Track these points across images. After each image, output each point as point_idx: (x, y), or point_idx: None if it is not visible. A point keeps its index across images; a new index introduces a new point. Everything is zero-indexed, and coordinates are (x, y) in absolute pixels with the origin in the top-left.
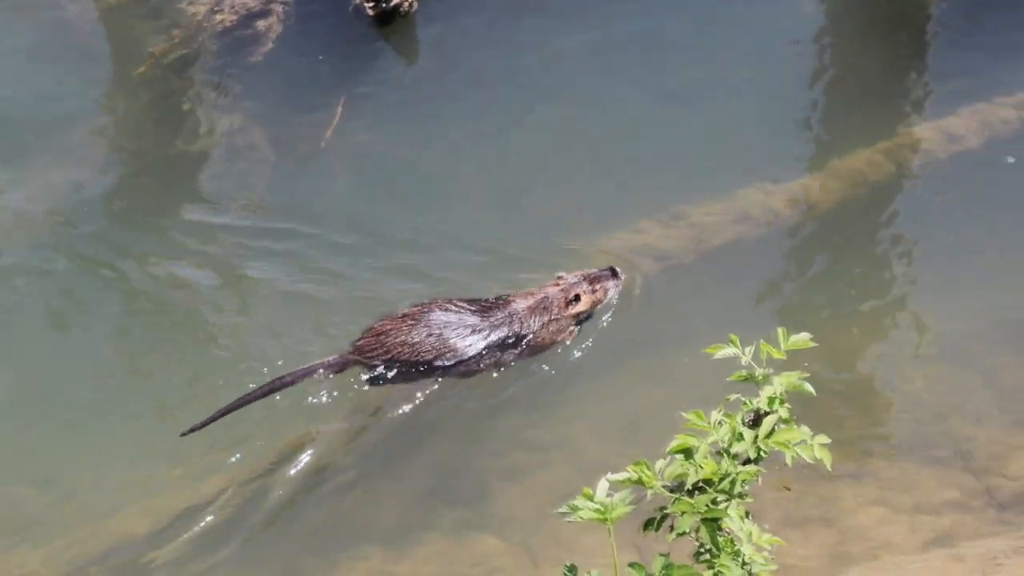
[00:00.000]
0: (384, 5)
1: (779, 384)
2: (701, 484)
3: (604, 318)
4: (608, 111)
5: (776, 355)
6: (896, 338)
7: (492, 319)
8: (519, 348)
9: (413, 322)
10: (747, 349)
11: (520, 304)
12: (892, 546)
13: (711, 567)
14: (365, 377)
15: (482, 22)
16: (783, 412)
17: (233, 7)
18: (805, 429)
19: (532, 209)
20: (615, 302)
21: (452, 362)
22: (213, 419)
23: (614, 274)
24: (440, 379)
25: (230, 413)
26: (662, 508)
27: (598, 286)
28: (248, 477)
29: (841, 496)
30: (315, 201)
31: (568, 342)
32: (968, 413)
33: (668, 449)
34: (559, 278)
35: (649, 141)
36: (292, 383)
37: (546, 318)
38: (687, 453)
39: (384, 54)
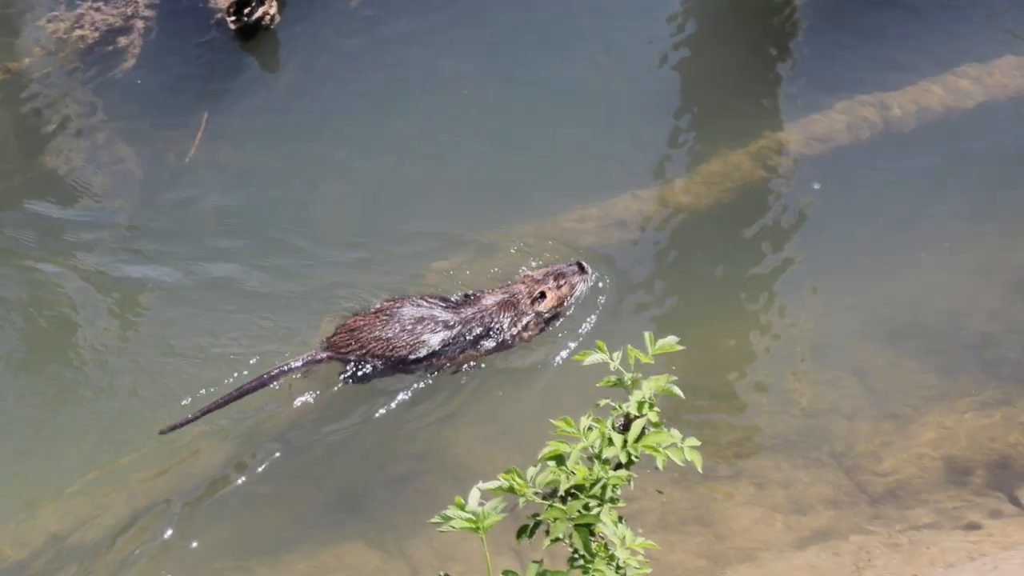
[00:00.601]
0: (246, 19)
1: (648, 388)
2: (573, 490)
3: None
4: (474, 111)
5: (644, 359)
6: (769, 338)
7: (462, 315)
8: (488, 343)
9: (386, 317)
10: (615, 354)
11: (489, 300)
12: (769, 545)
13: (586, 572)
14: (340, 373)
15: (344, 27)
16: (653, 416)
17: (94, 24)
18: (675, 432)
19: (404, 206)
20: (583, 298)
21: (424, 356)
22: (192, 419)
23: (581, 270)
24: (413, 373)
25: (209, 413)
26: (535, 515)
27: (563, 282)
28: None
29: (718, 497)
30: (182, 214)
31: (533, 337)
32: (841, 412)
33: (540, 456)
34: (526, 275)
35: (519, 142)
36: (269, 383)
37: (514, 314)
38: (559, 459)
39: (248, 66)
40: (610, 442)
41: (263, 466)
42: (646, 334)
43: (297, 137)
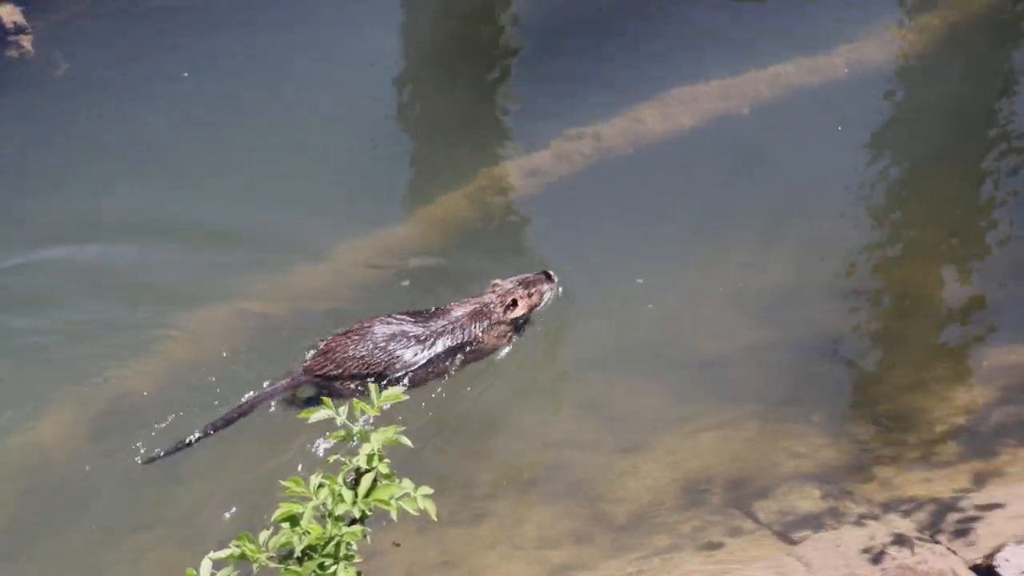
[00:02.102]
0: None
1: (376, 440)
2: (308, 551)
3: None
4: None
5: (371, 412)
6: (507, 371)
7: (435, 328)
8: (463, 355)
9: (358, 337)
10: (341, 409)
11: (460, 312)
12: None
13: None
14: (315, 393)
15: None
16: (383, 468)
17: None
18: (407, 482)
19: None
20: (550, 304)
21: (401, 373)
22: (175, 450)
23: (548, 277)
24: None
25: (192, 444)
26: None
27: (533, 290)
28: None
29: (462, 541)
30: None
31: (508, 346)
32: (581, 443)
33: (273, 518)
34: (495, 285)
35: (219, 179)
36: (250, 411)
37: (486, 323)
38: (292, 520)
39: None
40: (341, 498)
41: None
42: (371, 385)
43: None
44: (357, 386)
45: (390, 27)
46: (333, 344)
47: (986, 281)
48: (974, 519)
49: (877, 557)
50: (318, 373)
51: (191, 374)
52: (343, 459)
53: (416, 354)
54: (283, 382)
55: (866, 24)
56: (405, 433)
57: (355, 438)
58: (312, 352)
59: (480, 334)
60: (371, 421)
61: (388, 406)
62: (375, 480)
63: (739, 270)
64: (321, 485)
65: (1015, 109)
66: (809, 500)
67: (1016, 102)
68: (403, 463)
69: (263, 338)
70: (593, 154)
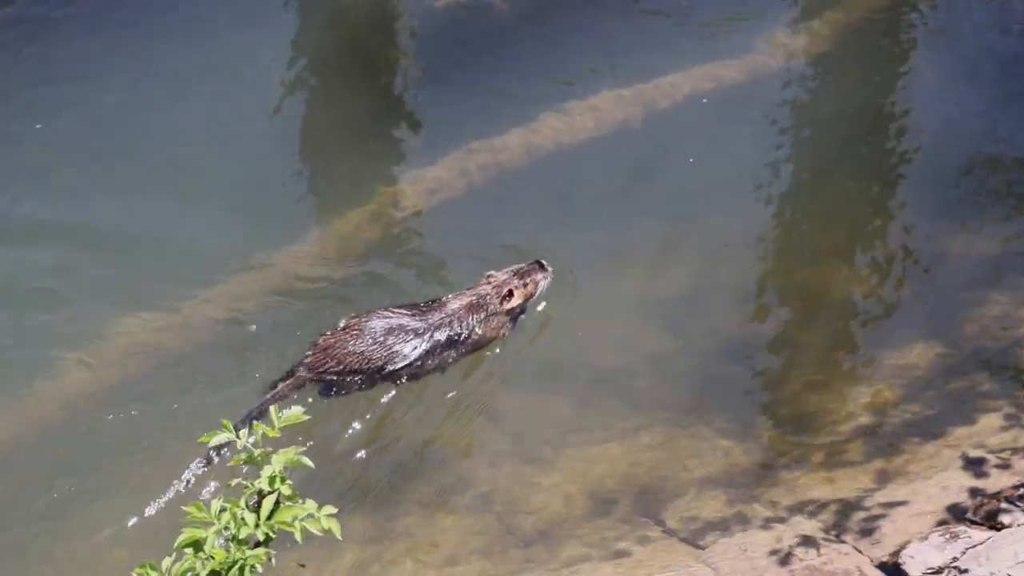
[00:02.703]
0: None
1: (277, 462)
2: None
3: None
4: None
5: (271, 434)
6: (412, 387)
7: (431, 321)
8: (461, 347)
9: (356, 332)
10: (242, 432)
11: (456, 304)
12: None
13: None
14: (321, 392)
15: None
16: (285, 489)
17: None
18: (311, 503)
19: None
20: (544, 293)
21: (401, 366)
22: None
23: (541, 267)
24: (394, 383)
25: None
26: None
27: (528, 280)
28: None
29: (370, 560)
30: None
31: (505, 336)
32: (484, 457)
33: (176, 545)
34: (490, 276)
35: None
36: (262, 414)
37: (483, 315)
38: (196, 546)
39: None
40: (244, 522)
41: None
42: (271, 407)
43: None
44: (359, 381)
45: (281, 40)
46: (332, 340)
47: (885, 281)
48: (879, 517)
49: (784, 559)
50: (320, 370)
51: (84, 407)
52: (245, 482)
53: (415, 347)
54: (287, 382)
55: (761, 31)
56: (310, 453)
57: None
58: (311, 349)
59: (477, 326)
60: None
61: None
62: (278, 502)
63: (640, 279)
64: (223, 509)
65: (910, 110)
66: (716, 505)
67: (911, 103)
68: (315, 481)
69: (158, 374)
70: (492, 166)
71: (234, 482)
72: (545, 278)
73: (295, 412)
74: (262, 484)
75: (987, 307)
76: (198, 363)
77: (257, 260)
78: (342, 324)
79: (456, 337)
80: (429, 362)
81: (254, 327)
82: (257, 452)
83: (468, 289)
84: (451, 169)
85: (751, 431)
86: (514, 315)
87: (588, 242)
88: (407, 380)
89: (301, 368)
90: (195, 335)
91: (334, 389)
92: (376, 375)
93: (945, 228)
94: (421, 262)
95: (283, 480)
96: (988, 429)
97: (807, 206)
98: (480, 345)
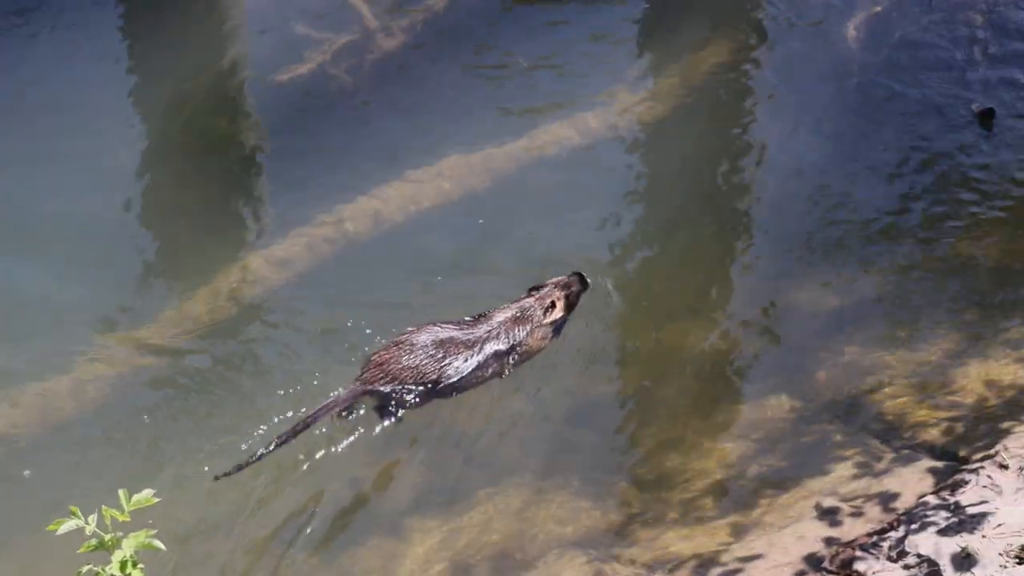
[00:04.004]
0: None
1: (128, 546)
2: None
3: None
4: None
5: (121, 518)
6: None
7: (481, 334)
8: (508, 358)
9: (409, 347)
10: (91, 518)
11: (502, 317)
12: None
13: None
14: (375, 407)
15: None
16: (137, 574)
17: None
18: None
19: None
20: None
21: (454, 379)
22: (245, 465)
23: (581, 279)
24: (447, 396)
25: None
26: None
27: (569, 292)
28: None
29: None
30: None
31: (546, 347)
32: (351, 526)
33: None
34: (532, 289)
35: None
36: (312, 424)
37: (529, 327)
38: None
39: None
40: None
41: None
42: (120, 491)
43: None
44: (413, 395)
45: (127, 121)
46: (386, 356)
47: (736, 336)
48: (736, 572)
49: None
50: (375, 385)
51: None
52: (95, 568)
53: (466, 360)
54: (342, 395)
55: (604, 90)
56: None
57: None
58: (364, 365)
59: (524, 337)
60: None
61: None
62: None
63: None
64: None
65: (754, 164)
66: (575, 566)
67: (755, 157)
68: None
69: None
70: (339, 238)
71: (84, 569)
72: (585, 290)
73: (146, 494)
74: (113, 570)
75: (836, 357)
76: (42, 444)
77: (104, 341)
78: (392, 340)
79: (504, 349)
80: (480, 374)
81: (88, 401)
82: (107, 537)
83: (512, 302)
84: (299, 242)
85: (608, 491)
86: (556, 326)
87: (436, 310)
88: (457, 394)
89: (356, 384)
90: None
91: (390, 405)
92: (430, 389)
93: (793, 280)
94: (271, 335)
95: (135, 564)
96: (841, 478)
97: (656, 264)
98: (527, 357)
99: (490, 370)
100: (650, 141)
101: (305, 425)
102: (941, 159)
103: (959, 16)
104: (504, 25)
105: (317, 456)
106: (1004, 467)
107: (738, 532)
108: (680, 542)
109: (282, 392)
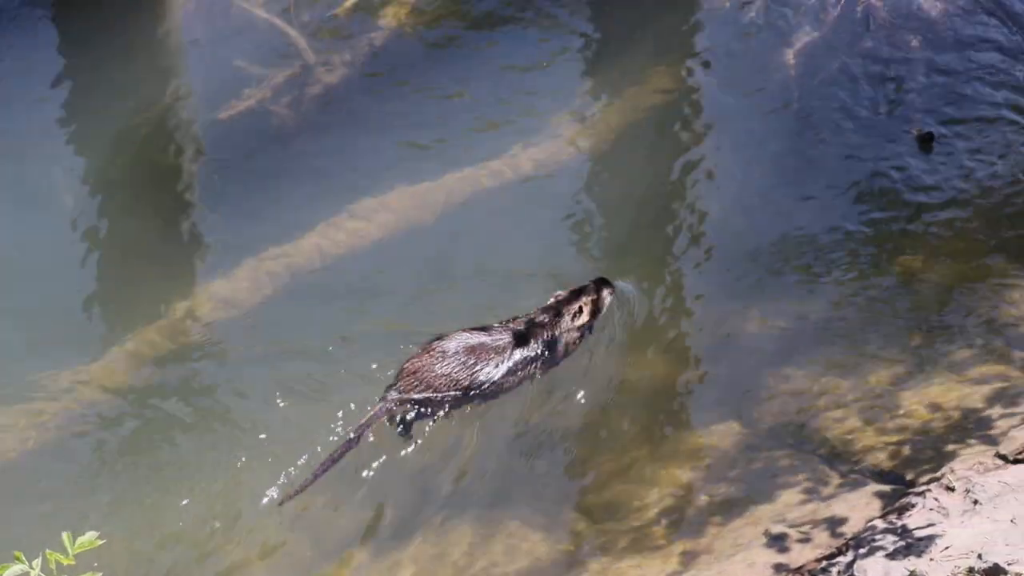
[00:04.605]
0: None
1: None
2: None
3: None
4: None
5: (66, 562)
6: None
7: (511, 340)
8: (540, 363)
9: (441, 354)
10: (35, 562)
11: (531, 322)
12: None
13: None
14: (411, 416)
15: None
16: None
17: None
18: None
19: None
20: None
21: (487, 386)
22: (302, 490)
23: (607, 284)
24: (481, 403)
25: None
26: None
27: (596, 296)
28: None
29: None
30: None
31: (573, 352)
32: (290, 562)
33: None
34: (558, 295)
35: None
36: (358, 441)
37: (557, 332)
38: None
39: None
40: None
41: None
42: (64, 534)
43: None
44: (450, 401)
45: (70, 160)
46: (419, 364)
47: (684, 364)
48: None
49: None
50: (412, 393)
51: None
52: None
53: (498, 366)
54: (377, 408)
55: (548, 122)
56: None
57: None
58: (398, 376)
59: (552, 343)
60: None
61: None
62: None
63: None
64: None
65: (698, 194)
66: None
67: (698, 187)
68: None
69: None
70: (284, 274)
71: None
72: (610, 294)
73: (90, 536)
74: None
75: (783, 384)
76: None
77: (43, 381)
78: (422, 349)
79: (535, 354)
80: (511, 379)
81: (31, 442)
82: None
83: (539, 308)
84: (244, 279)
85: (559, 521)
86: (583, 331)
87: (384, 345)
88: (488, 400)
89: (391, 393)
90: None
91: (426, 412)
92: (464, 396)
93: (740, 306)
94: (218, 373)
95: None
96: (789, 504)
97: None
98: (556, 362)
99: (519, 377)
100: (595, 170)
101: (350, 445)
102: (882, 182)
103: (896, 38)
104: (446, 57)
105: (264, 500)
106: (950, 489)
107: (688, 560)
108: (631, 571)
109: (227, 428)
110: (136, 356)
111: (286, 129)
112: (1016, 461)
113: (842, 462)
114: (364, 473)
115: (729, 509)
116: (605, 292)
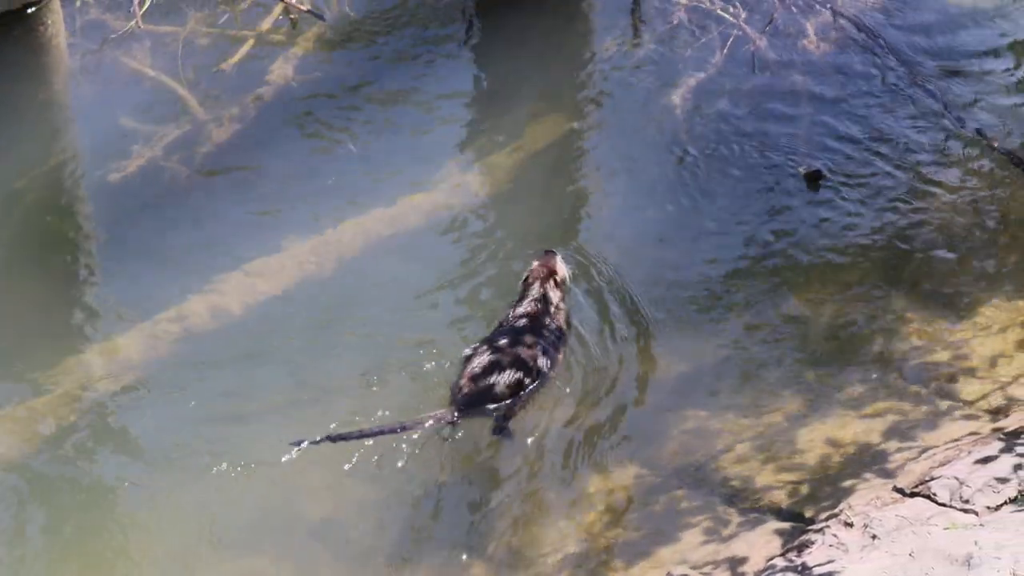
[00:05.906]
0: None
1: None
2: None
3: None
4: None
5: None
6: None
7: (537, 327)
8: (562, 341)
9: (488, 353)
10: None
11: (539, 305)
12: None
13: None
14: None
15: None
16: None
17: None
18: None
19: None
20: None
21: (538, 376)
22: (324, 439)
23: (552, 252)
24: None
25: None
26: None
27: (556, 263)
28: None
29: None
30: None
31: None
32: None
33: None
34: (530, 272)
35: None
36: (405, 430)
37: (555, 308)
38: None
39: None
40: None
41: None
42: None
43: None
44: (511, 402)
45: None
46: (472, 368)
47: (584, 407)
48: None
49: None
50: (476, 402)
51: None
52: None
53: (537, 354)
54: (438, 413)
55: (438, 171)
56: None
57: None
58: (455, 386)
59: (561, 319)
60: None
61: None
62: None
63: (340, 425)
64: None
65: (587, 239)
66: None
67: (592, 229)
68: None
69: None
70: (178, 334)
71: None
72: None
73: None
74: None
75: (683, 423)
76: None
77: None
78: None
79: (556, 334)
80: (557, 363)
81: None
82: None
83: (526, 298)
84: (138, 341)
85: (462, 574)
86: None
87: (280, 399)
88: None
89: (456, 403)
90: None
91: (497, 419)
92: (519, 393)
93: (638, 349)
94: (114, 439)
95: None
96: (690, 545)
97: None
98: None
99: (554, 359)
100: (488, 217)
101: (393, 429)
102: (773, 221)
103: (781, 77)
104: (336, 110)
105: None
106: (849, 525)
107: None
108: None
109: (121, 490)
110: (30, 425)
111: (178, 186)
112: (913, 494)
113: (742, 500)
114: (256, 528)
115: (631, 553)
116: (559, 258)
